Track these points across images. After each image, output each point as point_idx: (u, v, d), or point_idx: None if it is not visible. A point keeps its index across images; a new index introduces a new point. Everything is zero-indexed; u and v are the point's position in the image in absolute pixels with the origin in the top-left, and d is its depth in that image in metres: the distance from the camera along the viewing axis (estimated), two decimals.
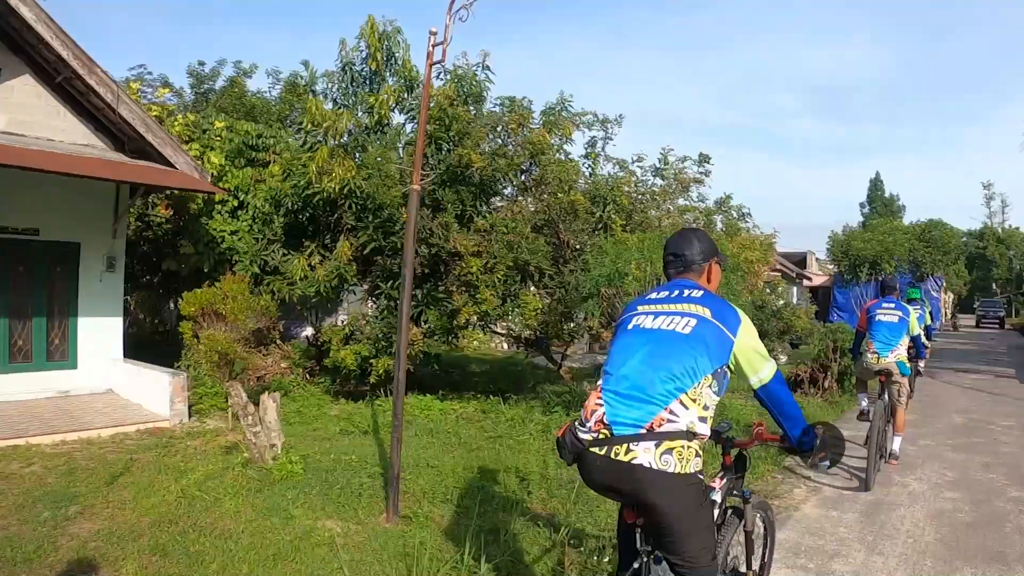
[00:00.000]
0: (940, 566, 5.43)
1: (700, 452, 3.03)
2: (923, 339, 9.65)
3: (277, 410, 7.27)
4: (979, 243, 62.24)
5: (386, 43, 12.07)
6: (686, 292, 3.31)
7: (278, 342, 13.80)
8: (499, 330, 13.56)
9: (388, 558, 5.11)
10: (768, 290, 16.35)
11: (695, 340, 3.10)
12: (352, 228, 10.77)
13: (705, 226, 12.74)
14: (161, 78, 19.81)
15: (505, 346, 15.69)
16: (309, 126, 11.16)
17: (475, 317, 9.80)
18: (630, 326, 3.32)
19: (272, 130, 14.73)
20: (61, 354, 10.91)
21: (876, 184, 75.97)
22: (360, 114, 12.07)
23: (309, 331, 15.97)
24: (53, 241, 10.72)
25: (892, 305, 8.52)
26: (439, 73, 11.54)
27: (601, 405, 3.09)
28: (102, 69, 10.12)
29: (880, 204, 72.10)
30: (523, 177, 11.47)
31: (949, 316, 47.35)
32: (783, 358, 16.57)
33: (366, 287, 11.90)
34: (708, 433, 3.08)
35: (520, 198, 11.51)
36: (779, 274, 28.23)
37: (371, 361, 10.19)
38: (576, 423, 3.17)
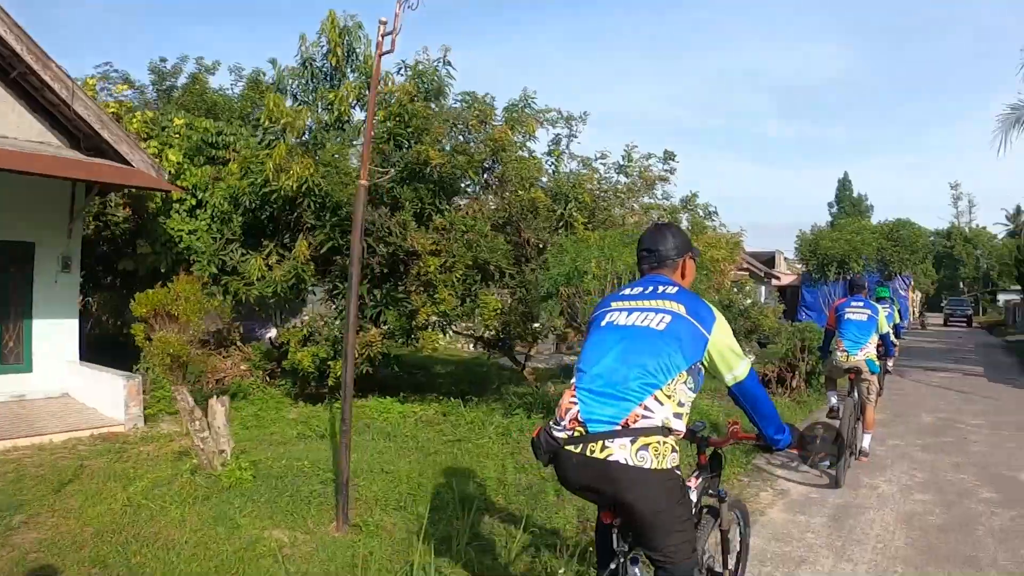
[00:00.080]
0: (911, 573, 5.31)
1: (676, 448, 3.03)
2: (892, 337, 9.69)
3: (226, 414, 7.04)
4: (946, 242, 62.91)
5: (347, 38, 11.86)
6: (660, 288, 3.31)
7: (239, 344, 13.55)
8: (461, 331, 13.40)
9: (336, 569, 4.95)
10: (735, 289, 16.29)
11: (669, 336, 3.10)
12: (312, 227, 10.54)
13: None
14: (122, 75, 19.43)
15: (472, 347, 15.48)
16: (267, 123, 10.91)
17: (434, 317, 9.59)
18: (603, 322, 3.31)
19: (233, 127, 14.44)
20: (15, 357, 10.63)
21: (844, 184, 76.63)
22: (320, 111, 11.85)
23: (274, 332, 15.69)
24: (6, 241, 10.44)
25: (861, 304, 8.60)
26: (399, 69, 11.39)
27: (575, 403, 3.08)
28: (57, 64, 9.87)
29: (848, 204, 72.70)
30: (485, 175, 11.30)
31: (917, 315, 47.87)
32: (751, 357, 16.50)
33: (326, 287, 11.67)
34: (683, 430, 3.07)
35: (483, 196, 11.33)
36: (747, 273, 28.29)
37: (329, 363, 9.96)
38: (551, 422, 3.17)
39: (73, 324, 11.10)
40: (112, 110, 13.16)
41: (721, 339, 3.17)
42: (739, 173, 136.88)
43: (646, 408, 2.97)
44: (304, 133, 11.41)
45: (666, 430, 2.97)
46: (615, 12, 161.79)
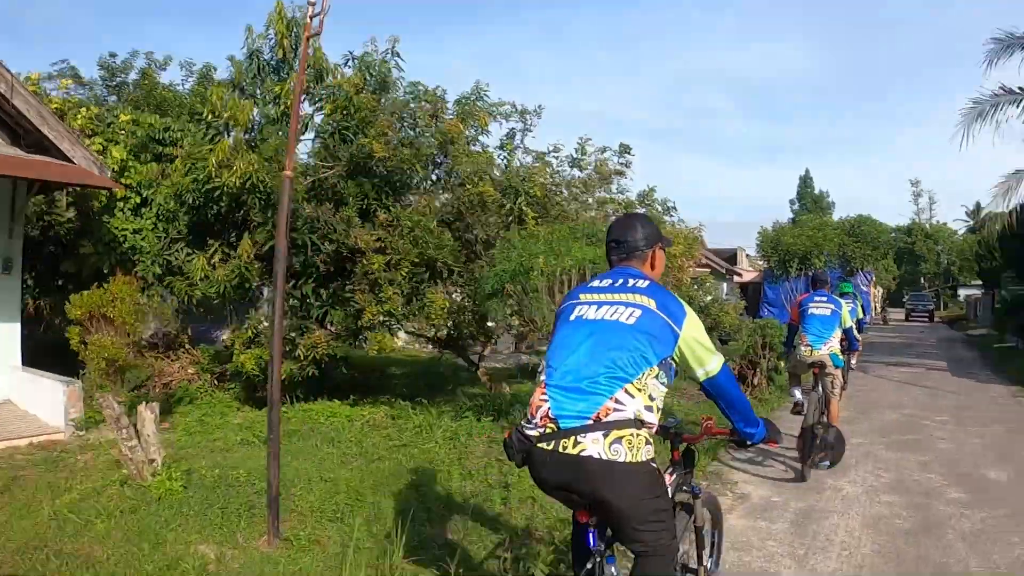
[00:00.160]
0: None
1: (650, 440, 3.01)
2: (855, 332, 9.68)
3: (155, 421, 6.67)
4: (907, 238, 63.74)
5: (295, 30, 11.48)
6: (631, 281, 3.26)
7: (187, 346, 13.17)
8: (410, 330, 13.12)
9: None
10: (695, 286, 16.20)
11: (639, 331, 3.07)
12: (257, 225, 10.19)
13: None
14: (70, 71, 18.98)
15: (431, 347, 15.20)
16: (210, 117, 10.55)
17: (380, 317, 9.28)
18: (572, 316, 3.27)
19: (180, 123, 14.06)
20: None
21: (806, 181, 77.11)
22: (267, 104, 11.50)
23: (228, 334, 15.30)
24: None
25: (824, 298, 8.56)
26: (347, 61, 11.09)
27: (546, 400, 3.06)
28: None
29: (810, 201, 73.19)
30: (436, 171, 11.03)
31: (879, 310, 48.24)
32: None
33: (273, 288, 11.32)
34: (656, 423, 3.05)
35: (436, 192, 11.05)
36: (708, 270, 28.30)
37: None
38: (523, 421, 3.16)
39: (15, 328, 10.63)
40: (56, 105, 12.82)
41: (692, 335, 3.15)
42: (701, 172, 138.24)
43: (617, 401, 2.95)
44: (252, 128, 11.07)
45: (639, 422, 2.95)
46: (579, 9, 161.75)
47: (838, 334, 8.43)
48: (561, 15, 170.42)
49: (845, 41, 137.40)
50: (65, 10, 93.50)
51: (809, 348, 8.34)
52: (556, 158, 12.60)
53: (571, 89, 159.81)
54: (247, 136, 10.73)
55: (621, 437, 2.90)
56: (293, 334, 9.69)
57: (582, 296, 3.33)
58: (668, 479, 3.52)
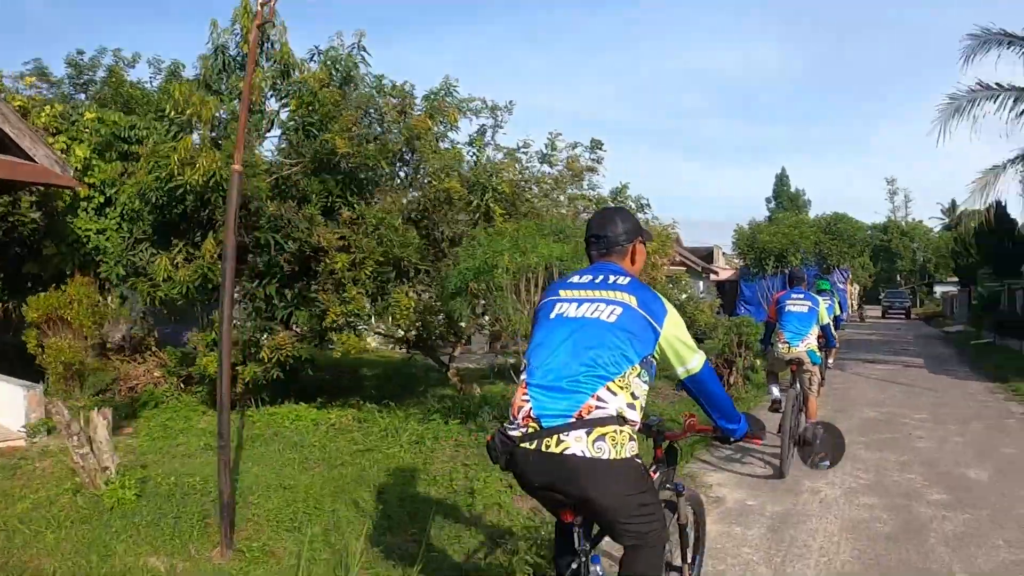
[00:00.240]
0: None
1: (634, 437, 3.00)
2: (832, 329, 9.69)
3: (108, 427, 6.43)
4: (883, 236, 64.24)
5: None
6: (612, 278, 3.24)
7: (153, 349, 12.89)
8: (378, 331, 12.91)
9: None
10: (670, 284, 16.10)
11: (619, 329, 3.06)
12: (222, 224, 9.94)
13: None
14: (37, 69, 18.64)
15: (404, 348, 14.99)
16: (173, 113, 10.28)
17: (344, 318, 9.05)
18: (552, 314, 3.24)
19: (146, 121, 13.76)
20: None
21: (782, 179, 77.47)
22: (233, 101, 11.24)
23: (193, 335, 15.02)
24: None
25: (801, 296, 8.63)
26: (312, 56, 10.87)
27: (528, 400, 3.04)
28: None
29: (786, 199, 73.55)
30: (404, 168, 10.83)
31: (856, 307, 48.47)
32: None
33: (239, 289, 11.07)
34: (639, 421, 3.06)
35: (400, 189, 10.84)
36: (684, 268, 28.22)
37: (238, 368, 9.35)
38: (505, 423, 3.14)
39: None
40: (19, 103, 12.59)
41: (673, 333, 3.15)
42: (677, 170, 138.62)
43: (599, 399, 2.94)
44: (218, 125, 10.82)
45: (621, 419, 2.95)
46: (554, 8, 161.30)
47: (815, 331, 8.51)
48: (537, 17, 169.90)
49: (821, 40, 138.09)
50: (38, 8, 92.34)
51: (787, 345, 8.41)
52: (526, 154, 12.48)
53: (547, 88, 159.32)
54: (213, 134, 10.50)
55: (604, 434, 2.89)
56: (258, 335, 9.47)
57: (562, 292, 3.29)
58: (652, 477, 3.49)
